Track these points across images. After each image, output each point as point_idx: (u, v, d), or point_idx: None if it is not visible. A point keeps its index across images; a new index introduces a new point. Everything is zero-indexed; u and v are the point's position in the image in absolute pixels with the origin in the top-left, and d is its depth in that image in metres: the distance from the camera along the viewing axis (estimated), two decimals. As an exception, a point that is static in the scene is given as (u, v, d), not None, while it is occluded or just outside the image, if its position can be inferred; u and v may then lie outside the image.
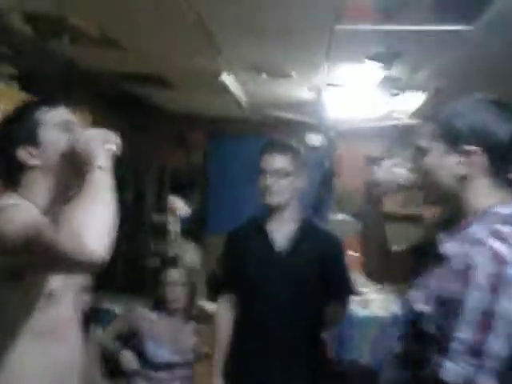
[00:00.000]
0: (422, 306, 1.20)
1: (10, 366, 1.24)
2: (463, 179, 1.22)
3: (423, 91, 3.39)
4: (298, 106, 4.45)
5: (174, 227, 5.17)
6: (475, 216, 1.20)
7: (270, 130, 6.23)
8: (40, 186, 1.36)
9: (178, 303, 2.48)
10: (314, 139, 5.08)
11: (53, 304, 1.30)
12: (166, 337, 2.43)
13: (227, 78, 3.63)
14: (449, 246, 1.20)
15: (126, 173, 4.94)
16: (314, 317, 2.13)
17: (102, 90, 4.64)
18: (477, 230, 1.17)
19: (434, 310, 1.17)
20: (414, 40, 2.46)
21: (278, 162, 2.05)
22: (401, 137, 5.60)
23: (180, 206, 5.21)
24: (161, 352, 2.39)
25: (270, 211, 2.14)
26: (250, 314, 2.14)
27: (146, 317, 2.49)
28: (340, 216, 6.71)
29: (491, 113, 1.21)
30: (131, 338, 2.47)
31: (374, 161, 6.20)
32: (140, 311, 2.54)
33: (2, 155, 1.39)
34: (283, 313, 2.07)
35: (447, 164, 1.23)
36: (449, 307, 1.12)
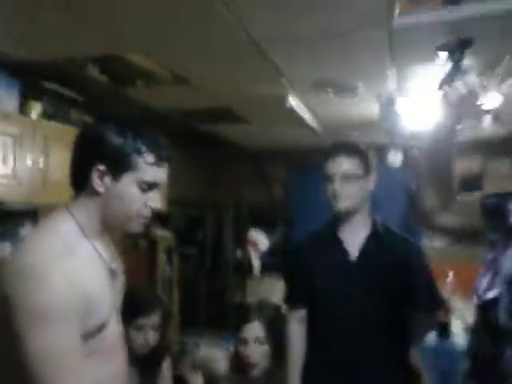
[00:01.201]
0: (492, 292, 1.02)
1: None
2: None
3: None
4: (371, 123, 4.30)
5: (255, 262, 5.11)
6: None
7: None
8: (91, 213, 1.34)
9: (252, 361, 2.15)
10: (395, 158, 4.87)
11: (102, 330, 1.29)
12: None
13: (295, 104, 3.59)
14: None
15: (205, 211, 5.02)
16: (395, 329, 1.98)
17: (177, 129, 4.79)
18: None
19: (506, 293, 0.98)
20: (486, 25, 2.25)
21: (345, 164, 1.97)
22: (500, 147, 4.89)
23: (260, 240, 5.16)
24: None
25: (340, 218, 2.02)
26: (327, 327, 2.02)
27: (224, 368, 2.30)
28: (437, 242, 6.34)
29: None
30: None
31: (473, 179, 5.77)
32: (222, 361, 2.36)
33: (78, 160, 1.36)
34: (362, 325, 1.94)
35: None
36: None
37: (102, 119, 1.38)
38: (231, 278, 5.05)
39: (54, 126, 3.15)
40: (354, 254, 2.00)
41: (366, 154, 2.04)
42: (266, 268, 5.85)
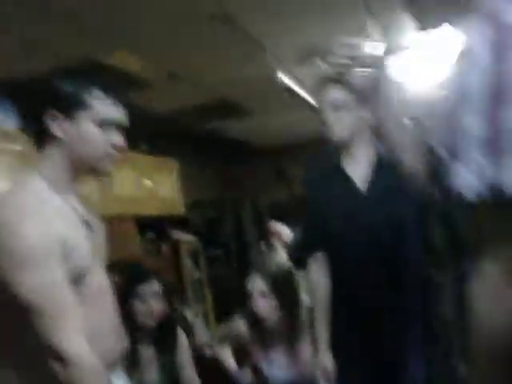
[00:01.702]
0: None
1: None
2: None
3: None
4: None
5: (281, 253, 5.04)
6: None
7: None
8: (58, 163, 1.36)
9: (266, 317, 2.22)
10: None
11: (84, 277, 1.31)
12: (276, 354, 2.23)
13: (284, 77, 3.60)
14: None
15: (223, 212, 5.02)
16: (418, 260, 1.89)
17: (185, 133, 4.84)
18: None
19: None
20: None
21: (333, 93, 1.92)
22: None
23: (284, 231, 5.09)
24: (275, 371, 2.20)
25: (339, 150, 1.99)
26: (343, 264, 1.95)
27: (249, 335, 2.31)
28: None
29: None
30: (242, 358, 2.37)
31: None
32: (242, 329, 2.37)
33: (31, 111, 1.38)
34: (381, 260, 1.86)
35: None
36: None
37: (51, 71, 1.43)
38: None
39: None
40: (361, 187, 1.93)
41: (358, 82, 1.98)
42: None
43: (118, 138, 1.38)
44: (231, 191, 5.61)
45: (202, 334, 3.90)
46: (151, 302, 2.12)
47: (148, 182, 4.03)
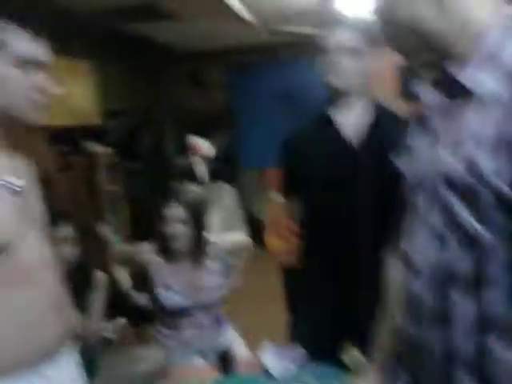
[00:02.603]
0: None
1: None
2: None
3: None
4: (309, 15, 4.03)
5: (200, 169, 4.95)
6: None
7: (294, 52, 5.84)
8: None
9: (179, 242, 2.24)
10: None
11: (9, 253, 1.15)
12: (176, 281, 2.24)
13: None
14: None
15: (141, 120, 4.74)
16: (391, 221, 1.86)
17: (105, 36, 4.38)
18: None
19: None
20: None
21: (345, 36, 1.74)
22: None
23: (203, 146, 4.96)
24: (172, 297, 2.21)
25: (336, 99, 1.82)
26: (323, 214, 1.87)
27: (153, 260, 2.29)
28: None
29: None
30: (143, 282, 2.35)
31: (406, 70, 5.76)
32: (146, 254, 2.34)
33: None
34: (363, 215, 1.79)
35: None
36: None
37: None
38: (177, 188, 4.90)
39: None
40: (353, 140, 1.80)
41: (371, 27, 1.74)
42: (214, 175, 5.74)
43: (43, 80, 1.20)
44: (151, 100, 5.28)
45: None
46: (61, 246, 2.07)
47: (58, 88, 3.63)
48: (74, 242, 2.18)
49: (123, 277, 2.57)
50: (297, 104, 6.26)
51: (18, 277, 1.19)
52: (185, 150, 4.80)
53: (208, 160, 5.17)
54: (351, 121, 1.82)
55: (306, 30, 4.40)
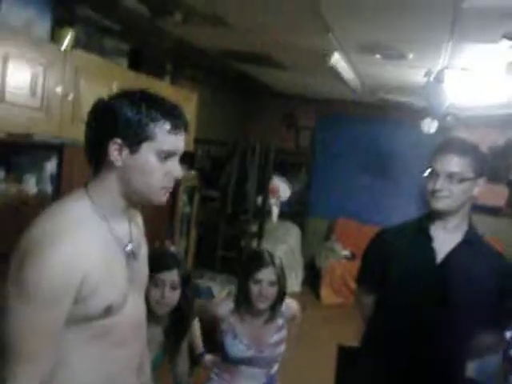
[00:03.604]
0: None
1: (66, 367, 1.25)
2: None
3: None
4: (414, 89, 4.11)
5: (275, 209, 5.08)
6: None
7: (383, 114, 5.94)
8: (111, 190, 1.31)
9: (264, 303, 2.28)
10: (429, 125, 4.69)
11: (110, 314, 1.28)
12: (244, 331, 2.30)
13: (338, 59, 3.41)
14: None
15: (231, 154, 4.93)
16: (461, 340, 1.90)
17: (211, 67, 4.64)
18: None
19: None
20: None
21: (454, 164, 1.82)
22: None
23: (282, 188, 5.11)
24: (238, 346, 2.28)
25: (434, 216, 1.93)
26: (389, 317, 1.96)
27: (226, 311, 2.35)
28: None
29: None
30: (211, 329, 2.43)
31: (497, 150, 5.71)
32: (223, 304, 2.43)
33: (94, 136, 1.31)
34: (428, 327, 1.86)
35: None
36: None
37: (117, 94, 1.32)
38: (250, 224, 5.05)
39: (85, 56, 3.01)
40: (440, 256, 1.89)
41: (481, 156, 1.88)
42: (283, 215, 5.86)
43: (177, 171, 1.33)
44: (244, 134, 5.50)
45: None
46: (166, 290, 2.11)
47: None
48: (177, 285, 2.16)
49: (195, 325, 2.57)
50: (376, 165, 6.32)
51: (113, 337, 1.31)
52: (264, 188, 4.95)
53: (283, 200, 5.32)
54: (444, 237, 1.89)
55: (406, 100, 4.47)
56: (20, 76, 2.49)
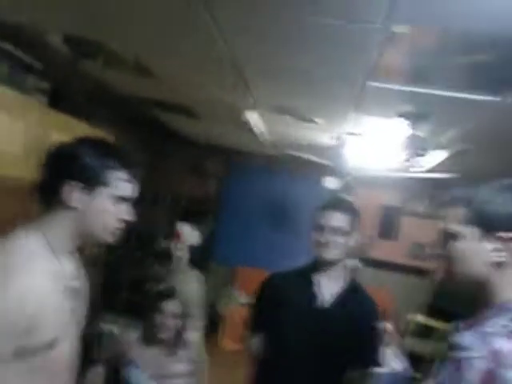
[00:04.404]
0: None
1: None
2: (496, 266, 1.20)
3: (446, 150, 3.41)
4: (319, 149, 4.48)
5: (181, 254, 5.13)
6: (495, 308, 1.18)
7: (290, 168, 6.30)
8: (64, 228, 1.36)
9: (167, 333, 2.47)
10: (331, 182, 5.10)
11: (53, 347, 1.32)
12: (147, 361, 2.41)
13: (251, 115, 3.67)
14: (465, 337, 1.17)
15: (141, 198, 4.95)
16: (335, 378, 2.10)
17: (126, 112, 4.72)
18: (491, 323, 1.15)
19: None
20: (442, 103, 2.49)
21: (338, 220, 2.07)
22: (418, 189, 5.72)
23: (188, 233, 5.18)
24: (138, 377, 2.36)
25: (319, 265, 2.14)
26: (277, 357, 2.13)
27: (132, 342, 2.48)
28: (350, 262, 6.71)
29: None
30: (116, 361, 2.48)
31: (390, 210, 6.25)
32: (128, 337, 2.53)
33: (50, 176, 1.36)
34: (308, 367, 2.06)
35: (482, 250, 1.21)
36: None
37: (78, 139, 1.41)
38: (154, 268, 5.06)
39: (5, 91, 2.99)
40: (323, 302, 2.09)
41: (358, 214, 2.16)
42: (192, 262, 5.89)
43: (129, 215, 1.42)
44: (154, 181, 5.55)
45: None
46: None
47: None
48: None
49: None
50: (279, 217, 6.63)
51: (50, 370, 1.34)
52: (172, 234, 4.99)
53: (191, 247, 5.37)
54: (328, 284, 2.12)
55: (311, 157, 4.83)
56: None
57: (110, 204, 1.37)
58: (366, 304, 2.17)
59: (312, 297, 2.10)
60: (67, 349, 1.39)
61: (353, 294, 2.14)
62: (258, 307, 2.31)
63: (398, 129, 2.89)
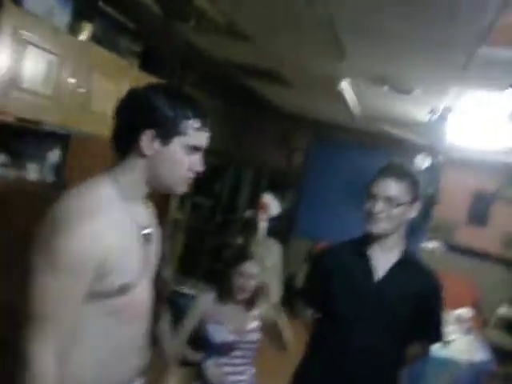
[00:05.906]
0: None
1: (80, 344, 1.30)
2: None
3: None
4: (413, 124, 4.22)
5: (263, 225, 5.12)
6: None
7: (377, 144, 6.05)
8: (137, 176, 1.37)
9: (244, 294, 2.44)
10: (422, 161, 4.81)
11: (125, 293, 1.33)
12: (226, 318, 2.42)
13: (346, 85, 3.50)
14: None
15: (226, 166, 4.96)
16: (395, 352, 2.00)
17: (216, 76, 4.69)
18: None
19: None
20: None
21: (392, 189, 1.89)
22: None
23: (272, 205, 5.15)
24: (219, 331, 2.38)
25: (371, 237, 1.99)
26: (330, 335, 2.04)
27: (209, 302, 2.47)
28: (431, 244, 6.40)
29: None
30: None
31: (482, 195, 5.86)
32: (204, 297, 2.52)
33: (126, 125, 1.36)
34: (365, 342, 1.95)
35: None
36: None
37: (151, 86, 1.39)
38: (235, 236, 5.09)
39: (101, 52, 3.03)
40: (377, 275, 1.96)
41: (417, 181, 1.96)
42: (268, 231, 5.90)
43: (200, 165, 1.40)
44: (241, 148, 5.55)
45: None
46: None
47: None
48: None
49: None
50: (360, 193, 6.41)
51: (124, 315, 1.36)
52: (256, 203, 4.99)
53: (271, 217, 5.36)
54: (381, 256, 1.97)
55: (404, 134, 4.58)
56: (36, 63, 2.50)
57: (183, 153, 1.35)
58: (423, 277, 2.01)
59: (366, 270, 1.98)
60: (141, 294, 1.41)
61: (408, 266, 1.98)
62: (310, 279, 2.22)
63: (506, 104, 2.61)
